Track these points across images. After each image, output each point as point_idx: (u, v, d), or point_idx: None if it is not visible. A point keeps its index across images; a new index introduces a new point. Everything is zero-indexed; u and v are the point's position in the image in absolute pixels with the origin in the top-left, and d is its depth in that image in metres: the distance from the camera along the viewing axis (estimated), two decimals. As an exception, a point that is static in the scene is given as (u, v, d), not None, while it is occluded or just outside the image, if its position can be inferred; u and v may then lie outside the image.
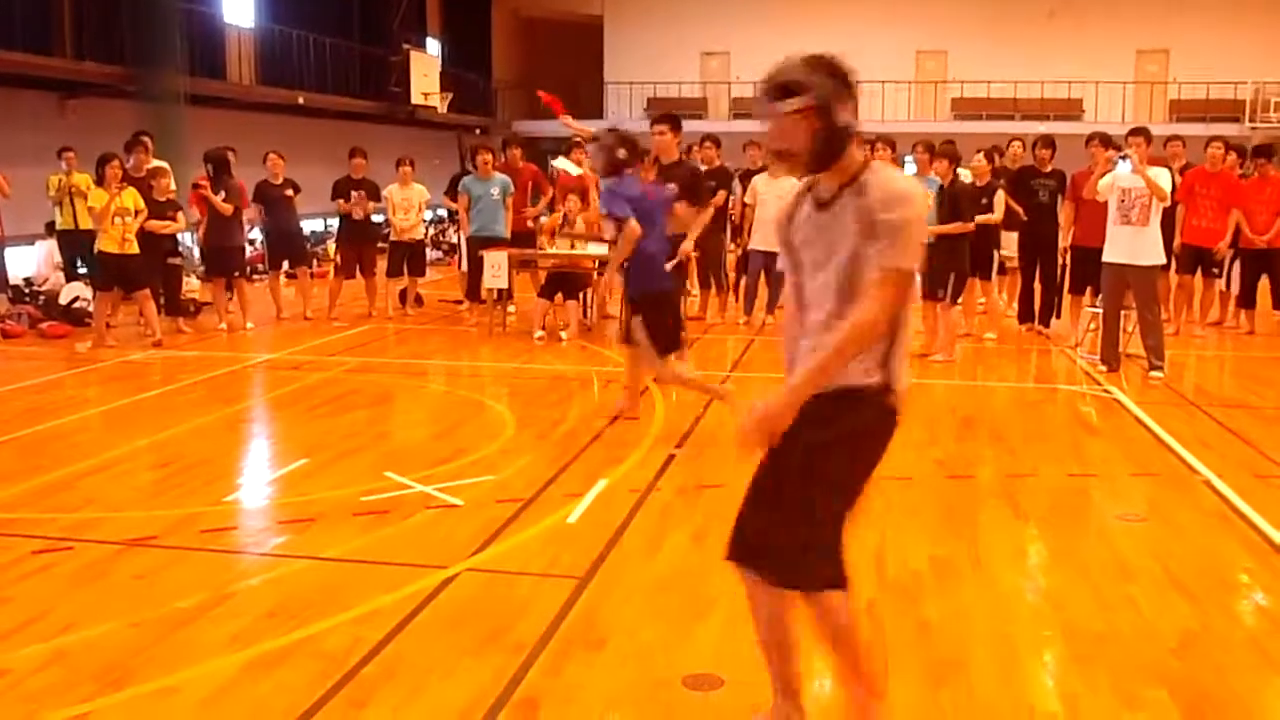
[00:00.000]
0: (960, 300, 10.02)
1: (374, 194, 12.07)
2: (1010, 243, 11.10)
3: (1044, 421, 7.56)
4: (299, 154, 14.34)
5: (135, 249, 10.16)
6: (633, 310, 6.80)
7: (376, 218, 12.57)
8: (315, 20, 22.66)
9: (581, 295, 11.16)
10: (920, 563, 4.63)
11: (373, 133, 21.54)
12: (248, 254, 12.29)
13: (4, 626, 3.95)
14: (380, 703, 3.42)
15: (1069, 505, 5.59)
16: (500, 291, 11.04)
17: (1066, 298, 10.74)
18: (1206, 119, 26.05)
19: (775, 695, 3.12)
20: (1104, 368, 8.99)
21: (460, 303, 12.48)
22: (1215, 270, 11.31)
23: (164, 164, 11.59)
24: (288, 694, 3.46)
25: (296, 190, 12.05)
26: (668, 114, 8.26)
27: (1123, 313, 9.04)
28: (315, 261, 15.66)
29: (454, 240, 18.14)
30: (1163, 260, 8.97)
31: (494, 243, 11.21)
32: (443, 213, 17.47)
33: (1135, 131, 8.86)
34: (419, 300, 12.78)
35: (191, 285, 12.41)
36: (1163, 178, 8.60)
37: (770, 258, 11.38)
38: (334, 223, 14.73)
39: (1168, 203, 8.82)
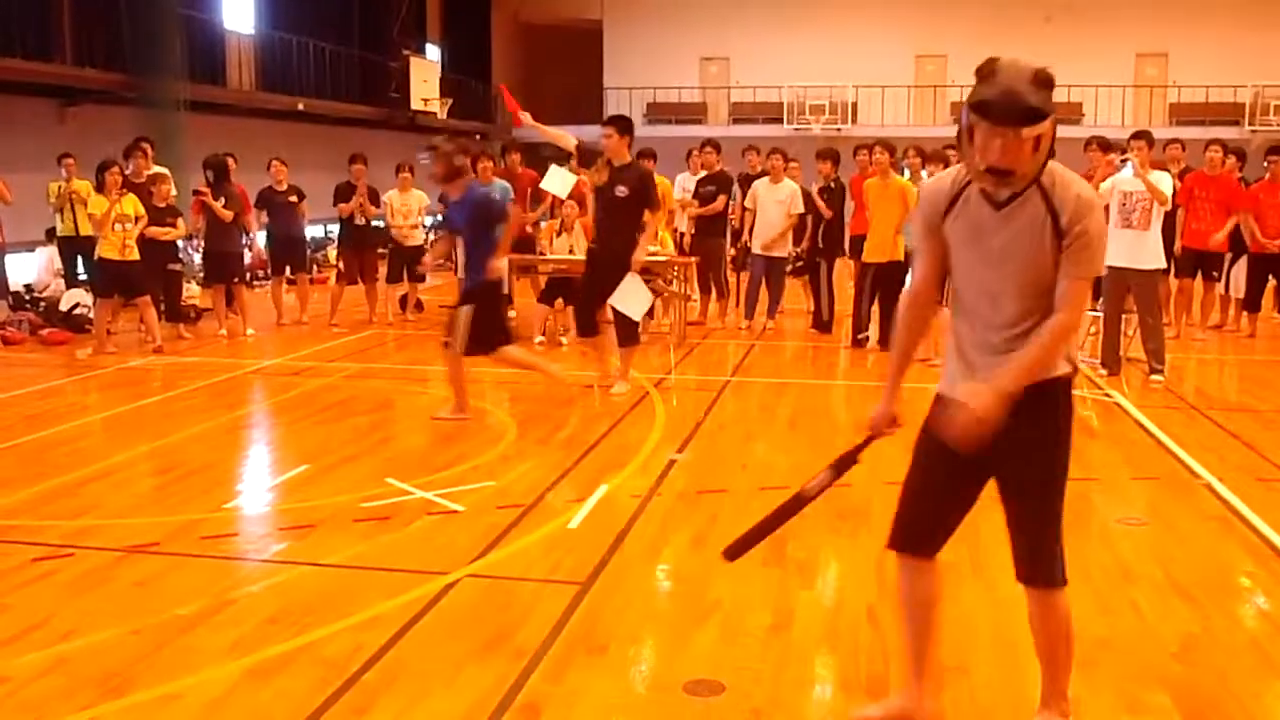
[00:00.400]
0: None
1: (374, 200, 12.08)
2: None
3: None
4: (299, 160, 14.34)
5: (136, 255, 10.17)
6: (463, 302, 7.36)
7: (376, 223, 12.58)
8: (315, 26, 22.68)
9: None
10: (921, 567, 4.62)
11: (372, 139, 21.56)
12: (247, 260, 12.28)
13: (4, 634, 3.94)
14: (382, 709, 3.41)
15: (1070, 509, 5.50)
16: (500, 297, 11.04)
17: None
18: (1206, 122, 26.06)
19: (910, 680, 3.29)
20: (1104, 371, 8.99)
21: (460, 308, 12.47)
22: (1215, 274, 11.31)
23: (164, 170, 11.60)
24: (289, 701, 3.46)
25: (301, 197, 12.07)
26: (616, 116, 8.42)
27: (1123, 316, 9.04)
28: (315, 267, 15.66)
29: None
30: (1163, 264, 8.98)
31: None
32: (442, 218, 17.46)
33: (1137, 135, 8.86)
34: (419, 306, 12.78)
35: (192, 291, 12.42)
36: (1164, 182, 8.60)
37: (770, 262, 11.39)
38: (334, 229, 14.73)
39: (1168, 207, 8.83)
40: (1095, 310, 9.69)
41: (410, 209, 12.23)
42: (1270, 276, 11.12)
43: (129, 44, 16.33)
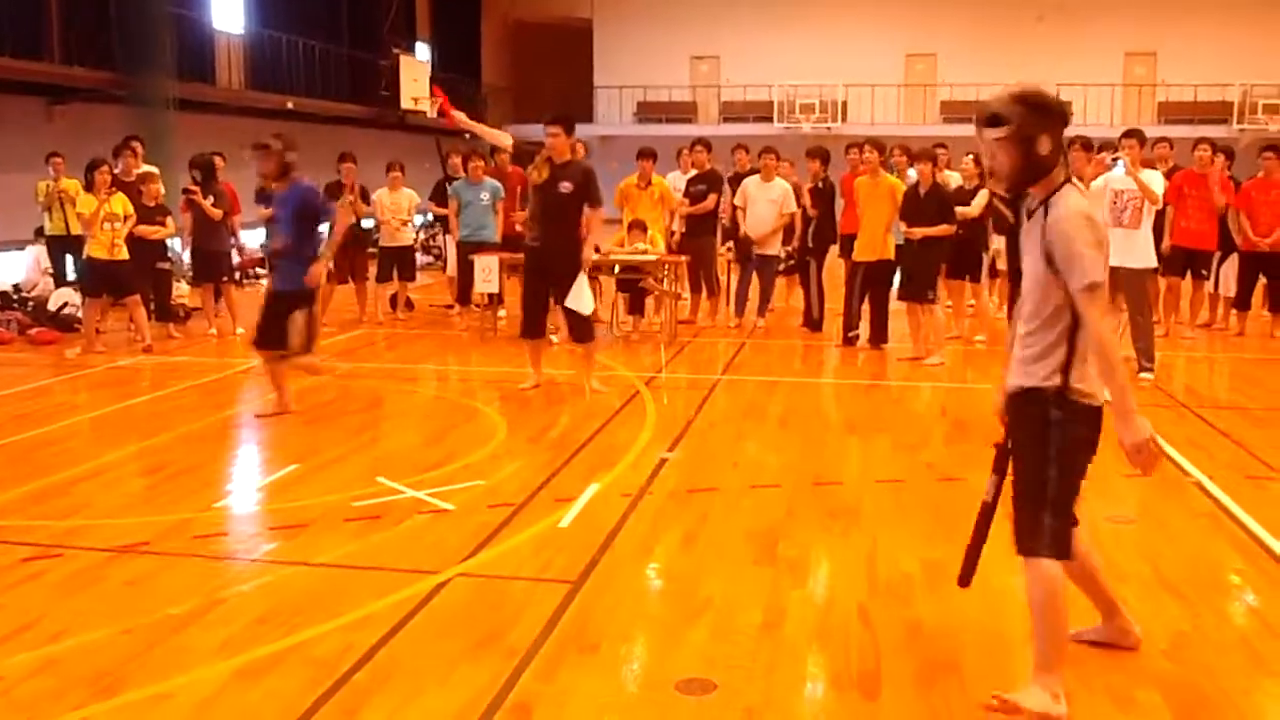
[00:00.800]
0: (950, 302, 10.03)
1: (364, 199, 12.06)
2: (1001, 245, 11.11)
3: (1035, 423, 7.55)
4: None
5: (125, 254, 10.14)
6: (291, 308, 7.34)
7: (366, 222, 12.55)
8: (304, 25, 22.64)
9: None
10: (912, 565, 4.64)
11: (362, 137, 21.54)
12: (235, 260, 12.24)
13: (-6, 634, 3.93)
14: (373, 709, 3.41)
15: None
16: (491, 296, 11.04)
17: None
18: (1194, 121, 26.17)
19: (1107, 620, 3.80)
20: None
21: (451, 307, 12.48)
22: (1204, 272, 11.33)
23: (153, 169, 11.57)
24: (279, 700, 3.45)
25: None
26: (560, 114, 8.16)
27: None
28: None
29: (441, 245, 18.11)
30: (1154, 263, 8.99)
31: (484, 247, 11.21)
32: (431, 217, 17.47)
33: (1129, 133, 8.88)
34: (409, 305, 12.76)
35: (181, 290, 12.39)
36: (1155, 181, 8.62)
37: (762, 260, 11.40)
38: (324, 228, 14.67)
39: (1159, 205, 8.84)
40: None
41: (400, 208, 12.21)
42: (1261, 274, 11.14)
43: (118, 42, 16.29)
